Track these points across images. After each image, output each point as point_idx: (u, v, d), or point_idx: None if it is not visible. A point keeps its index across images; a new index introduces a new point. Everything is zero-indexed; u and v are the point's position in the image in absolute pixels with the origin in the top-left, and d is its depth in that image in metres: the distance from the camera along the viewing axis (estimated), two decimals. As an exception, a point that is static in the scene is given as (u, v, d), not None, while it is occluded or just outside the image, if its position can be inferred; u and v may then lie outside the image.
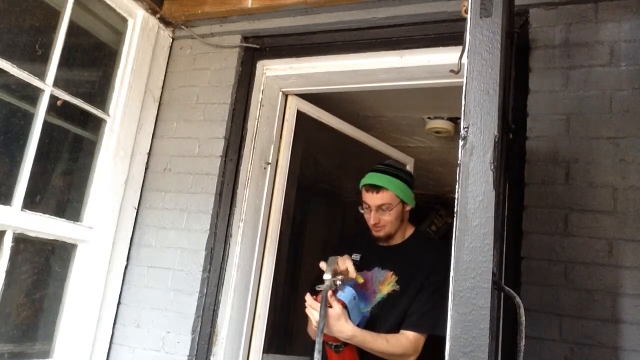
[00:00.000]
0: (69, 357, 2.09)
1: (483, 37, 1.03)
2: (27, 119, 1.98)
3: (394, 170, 2.09)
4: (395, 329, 1.94)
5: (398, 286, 1.99)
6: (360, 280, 1.95)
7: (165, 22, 2.51)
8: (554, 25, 1.86)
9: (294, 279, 2.78)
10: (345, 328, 1.82)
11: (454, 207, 0.97)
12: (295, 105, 2.63)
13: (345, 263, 1.90)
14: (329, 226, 3.14)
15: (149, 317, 2.23)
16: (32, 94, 2.00)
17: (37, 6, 2.08)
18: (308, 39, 2.33)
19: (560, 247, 1.67)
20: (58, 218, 2.08)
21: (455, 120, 3.42)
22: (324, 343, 1.90)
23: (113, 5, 2.31)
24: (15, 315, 2.03)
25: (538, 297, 1.65)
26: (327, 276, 1.83)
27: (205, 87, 2.43)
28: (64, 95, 2.11)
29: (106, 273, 2.23)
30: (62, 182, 2.18)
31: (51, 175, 2.14)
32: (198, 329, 2.16)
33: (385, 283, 2.01)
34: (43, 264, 2.11)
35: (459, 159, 0.98)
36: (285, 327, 2.71)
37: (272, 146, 2.50)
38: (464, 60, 1.06)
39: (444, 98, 3.04)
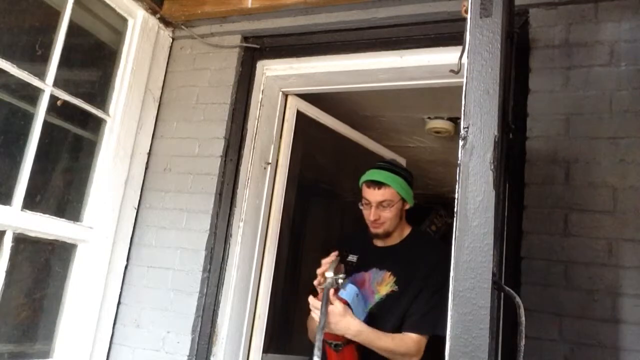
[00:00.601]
0: (69, 357, 2.09)
1: (483, 37, 1.03)
2: (27, 119, 1.98)
3: (396, 167, 2.09)
4: (395, 330, 1.93)
5: (396, 287, 1.98)
6: None
7: (165, 22, 2.51)
8: (554, 25, 1.86)
9: (293, 279, 2.78)
10: (351, 324, 1.83)
11: (454, 207, 0.97)
12: (295, 105, 2.63)
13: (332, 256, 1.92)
14: (328, 226, 3.14)
15: (149, 317, 2.23)
16: (32, 94, 2.00)
17: (37, 6, 2.08)
18: (308, 39, 2.33)
19: (560, 247, 1.67)
20: (58, 218, 2.08)
21: (455, 120, 3.42)
22: (324, 342, 1.91)
23: (113, 5, 2.30)
24: (15, 315, 2.03)
25: (538, 297, 1.65)
26: (329, 274, 1.84)
27: (205, 87, 2.43)
28: (64, 95, 2.11)
29: (106, 273, 2.23)
30: (62, 182, 2.18)
31: (51, 175, 2.14)
32: (198, 329, 2.16)
33: (384, 284, 2.00)
34: (43, 264, 2.11)
35: (459, 159, 0.98)
36: (285, 327, 2.71)
37: (272, 146, 2.50)
38: (464, 60, 1.06)
39: (444, 98, 3.04)
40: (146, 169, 2.43)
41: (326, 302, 1.79)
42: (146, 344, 2.20)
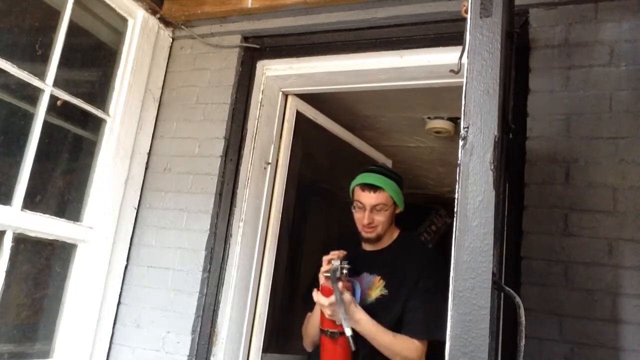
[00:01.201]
0: (69, 357, 2.09)
1: (483, 37, 1.03)
2: (27, 119, 1.98)
3: (388, 171, 2.10)
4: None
5: (386, 290, 1.97)
6: None
7: (165, 22, 2.51)
8: (554, 25, 1.86)
9: (293, 279, 2.78)
10: (354, 311, 1.84)
11: (454, 207, 0.97)
12: (295, 105, 2.63)
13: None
14: (328, 226, 3.14)
15: (149, 317, 2.23)
16: (32, 94, 2.00)
17: (37, 6, 2.08)
18: (308, 39, 2.33)
19: (560, 247, 1.67)
20: (58, 218, 2.08)
21: (455, 120, 3.42)
22: (320, 331, 1.92)
23: (113, 5, 2.31)
24: (15, 315, 2.03)
25: (538, 297, 1.65)
26: (335, 262, 1.87)
27: (205, 87, 2.43)
28: (64, 95, 2.11)
29: (106, 273, 2.23)
30: (62, 182, 2.18)
31: (51, 175, 2.14)
32: (198, 329, 2.16)
33: (374, 288, 2.00)
34: (43, 264, 2.11)
35: (459, 159, 0.98)
36: (285, 327, 2.71)
37: (272, 146, 2.50)
38: (464, 60, 1.06)
39: (444, 98, 3.04)
40: (146, 169, 2.43)
41: (337, 286, 1.81)
42: (146, 344, 2.20)
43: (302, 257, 2.86)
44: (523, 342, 1.14)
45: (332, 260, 1.89)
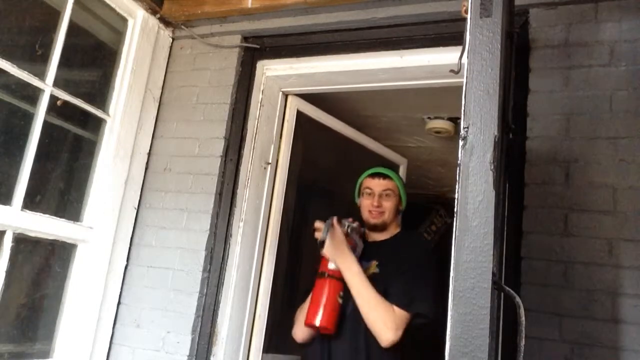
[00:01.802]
0: (69, 357, 2.09)
1: (483, 37, 1.03)
2: (27, 119, 1.98)
3: (395, 171, 2.30)
4: None
5: (378, 270, 2.05)
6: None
7: (165, 22, 2.51)
8: (554, 25, 1.86)
9: (293, 279, 2.78)
10: (346, 253, 1.98)
11: (454, 207, 0.97)
12: (295, 105, 2.63)
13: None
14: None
15: (149, 317, 2.23)
16: (32, 94, 2.00)
17: (37, 6, 2.08)
18: (308, 39, 2.33)
19: (560, 247, 1.67)
20: (58, 218, 2.08)
21: (455, 120, 3.42)
22: (316, 272, 2.03)
23: (113, 5, 2.30)
24: (15, 315, 2.03)
25: (538, 297, 1.65)
26: (345, 221, 2.10)
27: (205, 87, 2.43)
28: (64, 95, 2.11)
29: (106, 273, 2.23)
30: (62, 182, 2.18)
31: (51, 175, 2.14)
32: (198, 329, 2.16)
33: (368, 270, 2.07)
34: (43, 264, 2.11)
35: (459, 159, 0.98)
36: (285, 327, 2.71)
37: (272, 146, 2.50)
38: (464, 60, 1.06)
39: (444, 98, 3.04)
40: (146, 169, 2.43)
41: (330, 224, 2.02)
42: (146, 344, 2.20)
43: (302, 257, 2.86)
44: (523, 342, 1.14)
45: (345, 219, 2.10)
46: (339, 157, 3.12)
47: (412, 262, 2.00)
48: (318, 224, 2.05)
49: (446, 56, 2.02)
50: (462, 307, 0.91)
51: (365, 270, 2.05)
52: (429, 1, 2.07)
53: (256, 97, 2.42)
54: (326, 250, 2.00)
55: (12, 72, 1.91)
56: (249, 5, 2.31)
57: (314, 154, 2.91)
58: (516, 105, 1.75)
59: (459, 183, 0.97)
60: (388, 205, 2.16)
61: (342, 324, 1.98)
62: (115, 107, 2.31)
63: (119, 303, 2.29)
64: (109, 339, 2.25)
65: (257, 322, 2.37)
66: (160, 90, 2.52)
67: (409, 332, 1.92)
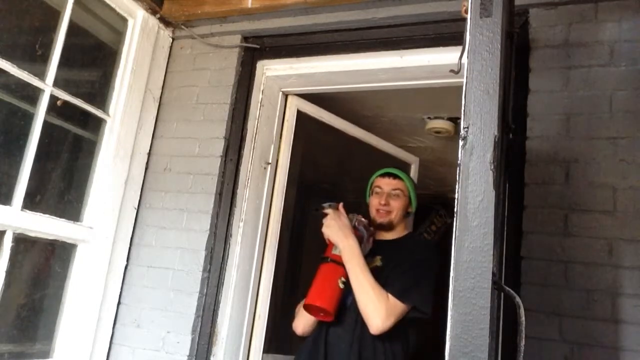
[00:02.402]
0: (69, 357, 2.09)
1: (483, 37, 1.02)
2: (27, 119, 1.98)
3: (407, 174, 2.28)
4: None
5: (381, 263, 2.05)
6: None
7: (165, 22, 2.51)
8: (554, 25, 1.86)
9: (293, 279, 2.78)
10: (349, 235, 1.97)
11: (454, 207, 0.97)
12: (295, 105, 2.63)
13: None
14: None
15: (149, 317, 2.23)
16: (32, 94, 2.00)
17: (37, 6, 2.08)
18: (308, 39, 2.33)
19: (560, 247, 1.67)
20: (58, 218, 2.08)
21: (455, 120, 3.42)
22: (320, 258, 2.02)
23: (113, 5, 2.30)
24: (15, 315, 2.03)
25: (538, 297, 1.65)
26: (351, 215, 2.09)
27: (205, 87, 2.43)
28: (64, 95, 2.11)
29: (106, 273, 2.23)
30: (62, 182, 2.18)
31: (51, 175, 2.14)
32: (198, 329, 2.16)
33: (372, 263, 2.06)
34: (43, 264, 2.11)
35: (459, 159, 0.98)
36: (285, 327, 2.71)
37: (272, 146, 2.50)
38: (464, 60, 1.06)
39: (444, 98, 3.04)
40: (146, 169, 2.43)
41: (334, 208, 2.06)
42: (146, 344, 2.20)
43: (302, 257, 2.86)
44: (523, 342, 1.14)
45: (354, 213, 2.11)
46: (342, 156, 3.11)
47: (415, 261, 2.00)
48: (325, 205, 2.09)
49: (446, 56, 2.02)
50: (462, 307, 0.91)
51: (368, 263, 2.04)
52: (429, 1, 2.07)
53: (256, 97, 2.42)
54: (327, 230, 2.00)
55: (12, 72, 1.91)
56: (249, 5, 2.31)
57: (314, 154, 2.91)
58: (516, 105, 1.76)
59: (459, 183, 0.97)
60: (396, 205, 2.15)
61: (342, 315, 1.98)
62: (115, 107, 2.31)
63: (119, 303, 2.29)
64: (109, 339, 2.25)
65: (257, 322, 2.37)
66: (160, 90, 2.52)
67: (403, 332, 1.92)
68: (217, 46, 2.46)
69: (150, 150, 2.45)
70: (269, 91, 2.47)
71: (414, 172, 3.37)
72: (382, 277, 1.96)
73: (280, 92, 2.55)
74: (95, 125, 2.29)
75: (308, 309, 1.96)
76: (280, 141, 2.56)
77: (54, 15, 2.08)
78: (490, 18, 1.03)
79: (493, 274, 0.91)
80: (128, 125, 2.34)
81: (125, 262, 2.32)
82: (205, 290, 2.20)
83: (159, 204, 2.37)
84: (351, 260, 1.92)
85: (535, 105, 1.81)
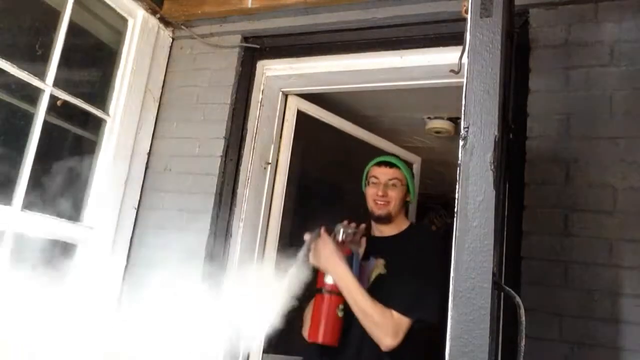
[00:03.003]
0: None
1: (483, 37, 1.02)
2: (27, 119, 1.98)
3: (404, 162, 2.18)
4: None
5: (385, 270, 2.00)
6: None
7: (165, 22, 2.51)
8: (554, 25, 1.85)
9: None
10: (338, 264, 1.89)
11: (454, 207, 0.97)
12: (295, 105, 2.63)
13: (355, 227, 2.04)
14: (328, 226, 3.13)
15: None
16: (32, 94, 2.00)
17: (37, 6, 2.08)
18: (308, 39, 2.33)
19: (560, 247, 1.67)
20: (58, 218, 2.08)
21: (455, 120, 3.42)
22: (317, 290, 1.96)
23: (113, 5, 2.31)
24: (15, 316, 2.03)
25: (538, 297, 1.65)
26: (340, 228, 1.99)
27: (205, 87, 2.43)
28: (64, 95, 2.11)
29: (106, 273, 2.22)
30: (62, 182, 2.18)
31: (51, 175, 2.14)
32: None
33: (375, 269, 2.03)
34: (43, 264, 2.10)
35: (459, 159, 0.98)
36: (285, 327, 2.70)
37: (272, 146, 2.50)
38: (464, 60, 1.06)
39: (444, 98, 3.04)
40: (146, 169, 2.43)
41: (317, 234, 1.94)
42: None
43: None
44: (523, 342, 1.14)
45: (339, 224, 2.00)
46: (340, 156, 3.11)
47: (420, 262, 1.94)
48: (307, 236, 1.99)
49: (446, 56, 2.02)
50: (462, 307, 0.91)
51: (371, 270, 2.02)
52: (429, 1, 2.06)
53: (256, 97, 2.42)
54: (316, 262, 1.94)
55: (12, 72, 1.91)
56: (249, 5, 2.31)
57: (314, 154, 2.91)
58: (516, 105, 1.75)
59: (459, 183, 0.97)
60: (394, 195, 2.07)
61: (348, 331, 1.96)
62: (115, 107, 2.31)
63: (119, 303, 2.29)
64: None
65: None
66: (160, 90, 2.52)
67: (411, 340, 1.91)
68: (217, 46, 2.45)
69: (150, 150, 2.45)
70: (269, 91, 2.47)
71: (415, 172, 3.35)
72: (386, 287, 1.93)
73: (280, 92, 2.55)
74: (95, 125, 2.29)
75: (312, 343, 1.94)
76: (280, 141, 2.56)
77: (54, 15, 2.08)
78: (490, 18, 1.03)
79: (493, 274, 0.91)
80: (128, 125, 2.34)
81: (125, 262, 2.32)
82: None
83: (159, 204, 2.37)
84: (346, 288, 1.87)
85: (535, 105, 1.81)
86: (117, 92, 2.33)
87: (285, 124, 2.58)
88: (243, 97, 2.38)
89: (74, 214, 2.18)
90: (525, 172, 1.77)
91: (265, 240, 2.46)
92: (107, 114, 2.30)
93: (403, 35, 2.15)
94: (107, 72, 2.34)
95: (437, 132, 3.53)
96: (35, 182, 1.99)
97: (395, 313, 1.85)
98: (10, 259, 1.90)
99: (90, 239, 2.18)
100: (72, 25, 2.12)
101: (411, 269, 1.93)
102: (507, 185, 1.71)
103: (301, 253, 1.91)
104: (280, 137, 2.57)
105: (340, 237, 1.97)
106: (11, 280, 1.93)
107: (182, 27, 2.52)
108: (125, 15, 2.37)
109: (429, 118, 3.48)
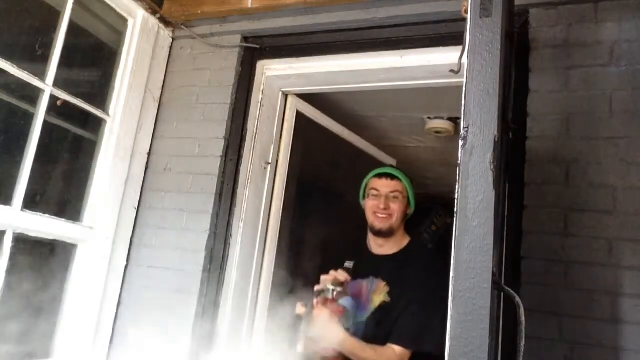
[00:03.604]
0: (69, 357, 2.09)
1: (483, 37, 1.03)
2: (27, 119, 1.98)
3: (404, 173, 2.18)
4: (385, 342, 1.92)
5: (389, 298, 1.97)
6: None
7: (165, 22, 2.51)
8: (554, 25, 1.85)
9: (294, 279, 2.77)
10: (335, 332, 1.85)
11: (454, 207, 0.97)
12: (295, 105, 2.63)
13: (344, 274, 1.94)
14: (328, 226, 3.13)
15: (149, 317, 2.23)
16: (32, 94, 2.00)
17: (37, 6, 2.08)
18: (308, 39, 2.33)
19: (560, 247, 1.67)
20: (58, 218, 2.08)
21: (455, 120, 3.41)
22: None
23: (113, 5, 2.30)
24: (15, 316, 2.03)
25: (538, 297, 1.65)
26: (329, 286, 1.90)
27: (205, 87, 2.43)
28: (64, 95, 2.11)
29: (106, 273, 2.23)
30: (62, 182, 2.18)
31: (51, 175, 2.14)
32: (198, 328, 2.16)
33: (377, 293, 2.00)
34: (43, 264, 2.10)
35: (459, 159, 0.98)
36: (285, 327, 2.71)
37: (272, 146, 2.51)
38: (464, 60, 1.06)
39: (444, 98, 3.04)
40: (146, 169, 2.43)
41: (311, 308, 1.89)
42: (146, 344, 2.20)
43: (302, 257, 2.85)
44: (523, 342, 1.14)
45: (324, 281, 1.93)
46: (333, 156, 3.12)
47: (423, 291, 1.92)
48: (299, 309, 1.95)
49: (446, 56, 2.02)
50: (462, 307, 0.91)
51: (372, 292, 2.00)
52: (429, 1, 2.06)
53: (256, 97, 2.42)
54: (314, 334, 1.89)
55: (12, 72, 1.91)
56: (249, 5, 2.31)
57: (313, 154, 2.91)
58: (516, 105, 1.75)
59: (459, 183, 0.97)
60: (396, 207, 2.04)
61: None
62: (115, 107, 2.31)
63: (119, 303, 2.29)
64: (109, 339, 2.25)
65: (257, 322, 2.37)
66: (160, 90, 2.52)
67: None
68: (217, 46, 2.46)
69: (150, 150, 2.45)
70: (269, 91, 2.47)
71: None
72: (392, 317, 1.92)
73: (280, 92, 2.55)
74: (95, 125, 2.29)
75: None
76: (280, 141, 2.56)
77: (54, 15, 2.08)
78: (490, 18, 1.03)
79: (493, 274, 0.91)
80: (128, 125, 2.34)
81: (125, 262, 2.32)
82: (205, 290, 2.19)
83: (159, 204, 2.37)
84: (350, 352, 1.88)
85: (535, 105, 1.81)
86: (117, 92, 2.33)
87: (285, 124, 2.59)
88: (243, 97, 2.38)
89: (74, 213, 2.18)
90: (525, 172, 1.77)
91: (265, 240, 2.46)
92: (107, 114, 2.30)
93: (403, 35, 2.15)
94: (107, 72, 2.34)
95: (437, 132, 3.53)
96: (35, 182, 1.99)
97: (397, 348, 1.87)
98: (10, 259, 1.90)
99: (90, 239, 2.18)
100: (72, 25, 2.12)
101: (415, 299, 1.92)
102: (507, 185, 1.71)
103: (300, 329, 1.89)
104: (280, 137, 2.57)
105: (330, 296, 1.92)
106: (11, 280, 1.93)
107: (182, 27, 2.52)
108: (125, 15, 2.37)
109: (429, 118, 3.48)
